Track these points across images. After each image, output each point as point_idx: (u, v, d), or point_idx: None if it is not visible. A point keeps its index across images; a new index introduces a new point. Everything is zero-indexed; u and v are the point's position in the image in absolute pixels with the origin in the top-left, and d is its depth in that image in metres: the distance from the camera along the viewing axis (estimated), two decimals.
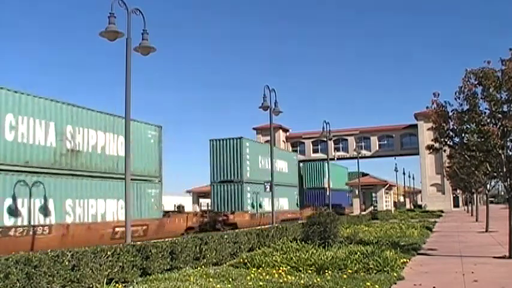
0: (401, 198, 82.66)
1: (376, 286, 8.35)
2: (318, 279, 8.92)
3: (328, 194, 33.29)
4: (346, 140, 70.95)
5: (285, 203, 35.81)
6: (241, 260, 11.51)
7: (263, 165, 32.49)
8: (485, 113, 12.51)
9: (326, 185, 40.05)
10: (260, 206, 31.37)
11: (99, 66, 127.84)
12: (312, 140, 70.62)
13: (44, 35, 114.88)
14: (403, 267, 10.80)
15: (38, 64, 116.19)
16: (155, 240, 10.87)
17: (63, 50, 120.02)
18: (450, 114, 13.13)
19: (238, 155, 31.06)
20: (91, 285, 8.18)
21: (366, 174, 57.74)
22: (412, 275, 9.95)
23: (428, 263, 11.71)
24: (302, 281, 8.72)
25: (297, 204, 39.82)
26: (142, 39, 11.94)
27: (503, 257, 12.23)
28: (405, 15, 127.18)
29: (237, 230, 14.79)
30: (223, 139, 31.87)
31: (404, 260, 11.62)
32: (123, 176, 16.36)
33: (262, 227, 18.27)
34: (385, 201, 57.01)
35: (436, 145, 14.12)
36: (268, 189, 30.53)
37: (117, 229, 18.51)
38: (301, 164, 50.92)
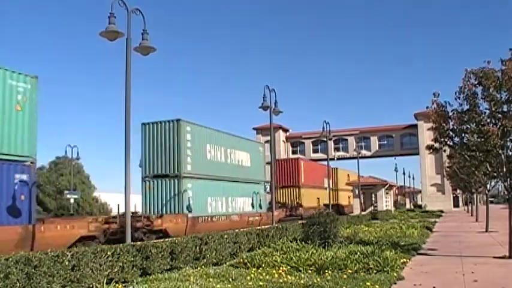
0: (402, 198, 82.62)
1: (376, 286, 8.36)
2: (318, 279, 8.92)
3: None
4: (346, 140, 70.92)
5: (246, 204, 30.27)
6: (241, 260, 11.50)
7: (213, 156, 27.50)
8: (485, 113, 12.50)
9: None
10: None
11: (98, 66, 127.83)
12: (312, 140, 70.61)
13: (44, 34, 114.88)
14: (403, 267, 10.79)
15: (37, 63, 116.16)
16: (155, 241, 10.90)
17: (63, 49, 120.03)
18: (450, 114, 13.12)
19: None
20: (91, 285, 8.17)
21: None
22: (412, 275, 9.95)
23: (428, 263, 11.71)
24: (302, 281, 8.72)
25: (259, 205, 32.39)
26: (142, 39, 11.94)
27: (503, 257, 12.22)
28: (405, 15, 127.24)
29: (236, 230, 14.78)
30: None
31: (404, 260, 11.61)
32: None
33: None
34: (385, 201, 57.00)
35: (436, 145, 14.12)
36: (268, 189, 32.30)
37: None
38: None
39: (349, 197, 58.15)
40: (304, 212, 37.57)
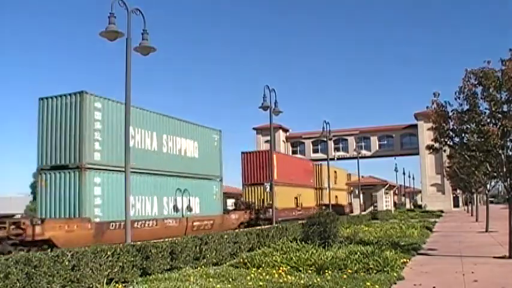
0: (402, 198, 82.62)
1: (376, 286, 8.35)
2: (318, 279, 8.92)
3: None
4: (346, 140, 70.94)
5: (192, 205, 24.15)
6: (241, 260, 11.50)
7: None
8: (485, 113, 12.51)
9: None
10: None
11: (99, 66, 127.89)
12: (312, 140, 70.62)
13: (44, 35, 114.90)
14: (403, 267, 10.80)
15: (37, 64, 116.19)
16: (155, 241, 10.89)
17: (63, 49, 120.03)
18: (450, 114, 13.13)
19: None
20: (91, 285, 8.18)
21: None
22: (412, 275, 9.95)
23: (428, 263, 11.71)
24: (302, 281, 8.72)
25: (212, 206, 26.22)
26: (142, 39, 11.94)
27: (503, 257, 12.22)
28: (405, 15, 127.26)
29: (236, 230, 14.77)
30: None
31: (404, 260, 11.62)
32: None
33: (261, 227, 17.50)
34: (385, 201, 57.02)
35: (436, 145, 14.13)
36: (268, 189, 30.43)
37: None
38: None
39: (336, 197, 51.64)
40: (277, 215, 31.18)
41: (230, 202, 53.13)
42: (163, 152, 22.32)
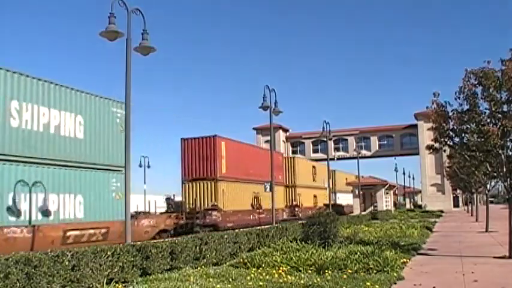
0: (401, 198, 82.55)
1: (376, 286, 8.36)
2: (318, 279, 8.92)
3: None
4: (346, 140, 70.97)
5: (70, 207, 16.02)
6: (241, 260, 11.51)
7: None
8: (485, 113, 12.51)
9: None
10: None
11: (98, 66, 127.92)
12: (312, 140, 70.64)
13: (44, 35, 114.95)
14: (403, 267, 10.80)
15: (37, 64, 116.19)
16: (155, 241, 10.87)
17: (63, 49, 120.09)
18: (450, 114, 13.14)
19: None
20: (91, 285, 8.18)
21: None
22: (412, 275, 9.95)
23: (428, 263, 11.71)
24: (302, 281, 8.72)
25: (106, 208, 17.74)
26: (142, 39, 11.95)
27: (503, 257, 12.23)
28: (405, 15, 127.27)
29: (237, 230, 14.73)
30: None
31: (404, 260, 11.63)
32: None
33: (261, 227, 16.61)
34: (385, 201, 57.00)
35: (436, 145, 14.14)
36: (268, 189, 27.76)
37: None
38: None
39: (315, 196, 44.09)
40: (224, 219, 26.91)
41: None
42: (11, 126, 14.13)
